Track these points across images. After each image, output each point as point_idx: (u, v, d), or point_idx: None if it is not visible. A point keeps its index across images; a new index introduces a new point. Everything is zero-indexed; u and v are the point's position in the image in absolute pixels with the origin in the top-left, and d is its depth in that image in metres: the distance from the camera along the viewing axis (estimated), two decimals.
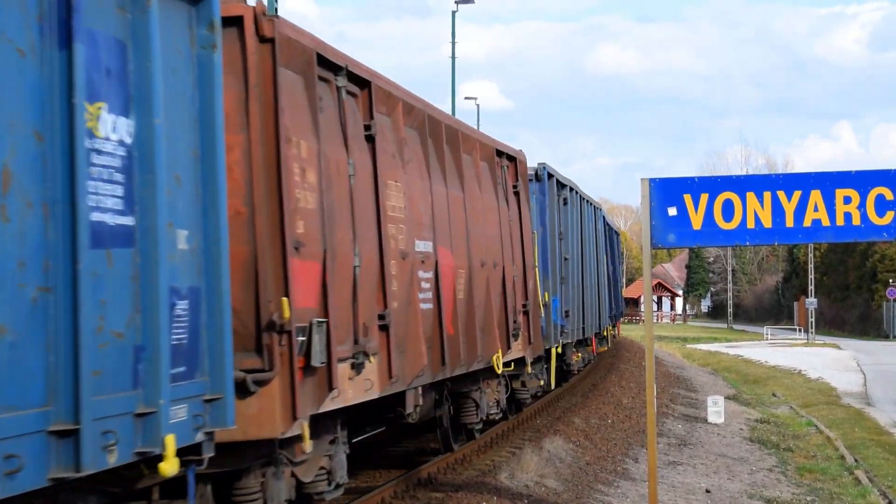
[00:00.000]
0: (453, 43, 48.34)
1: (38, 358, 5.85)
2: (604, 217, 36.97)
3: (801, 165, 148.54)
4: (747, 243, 11.89)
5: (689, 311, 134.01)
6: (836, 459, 20.81)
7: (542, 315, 20.18)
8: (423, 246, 12.94)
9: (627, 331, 65.95)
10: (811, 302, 74.50)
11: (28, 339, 5.77)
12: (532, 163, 21.72)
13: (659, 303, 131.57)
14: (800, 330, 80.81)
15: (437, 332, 13.24)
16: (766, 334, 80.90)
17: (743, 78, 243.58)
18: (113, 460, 6.30)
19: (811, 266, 77.35)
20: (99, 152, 6.34)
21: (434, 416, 15.44)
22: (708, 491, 16.62)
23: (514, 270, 17.57)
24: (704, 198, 11.75)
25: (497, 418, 18.62)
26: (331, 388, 9.60)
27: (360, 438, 16.64)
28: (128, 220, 6.62)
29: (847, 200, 11.57)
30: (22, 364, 5.71)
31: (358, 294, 10.57)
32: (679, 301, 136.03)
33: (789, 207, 11.66)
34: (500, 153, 17.61)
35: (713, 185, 11.89)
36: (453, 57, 48.17)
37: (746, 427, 24.94)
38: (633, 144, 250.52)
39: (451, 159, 14.70)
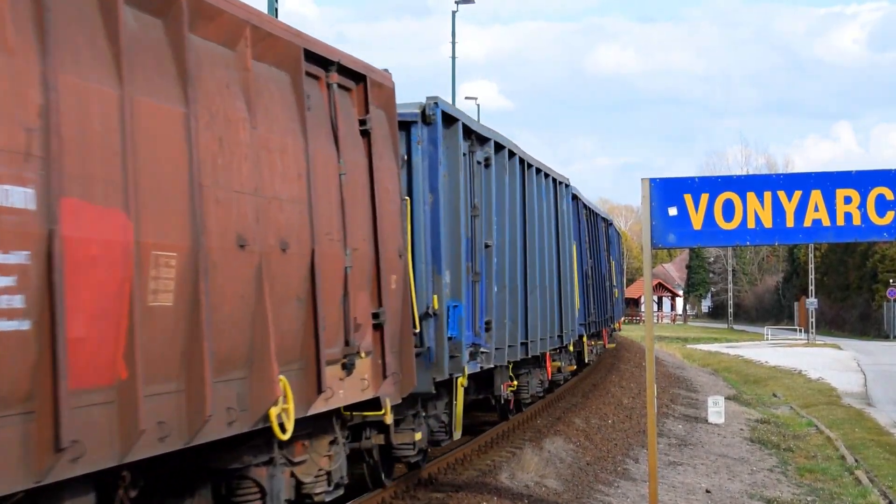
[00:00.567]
0: (453, 43, 48.41)
1: None
2: (576, 197, 28.10)
3: (801, 165, 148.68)
4: (748, 243, 11.89)
5: (689, 312, 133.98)
6: (837, 460, 20.81)
7: (433, 328, 14.26)
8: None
9: (628, 331, 65.92)
10: (811, 302, 74.48)
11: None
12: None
13: (659, 303, 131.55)
14: (800, 330, 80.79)
15: (49, 382, 6.21)
16: (767, 334, 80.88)
17: (742, 78, 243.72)
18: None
19: (811, 266, 77.34)
20: None
21: None
22: (708, 491, 16.62)
23: (351, 257, 10.32)
24: (705, 198, 11.75)
25: None
26: None
27: None
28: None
29: (847, 200, 11.57)
30: None
31: None
32: (679, 301, 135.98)
33: (790, 207, 11.67)
34: (319, 60, 10.21)
35: (713, 185, 11.89)
36: (453, 57, 48.24)
37: (747, 427, 24.93)
38: (633, 145, 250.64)
39: (150, 43, 7.55)
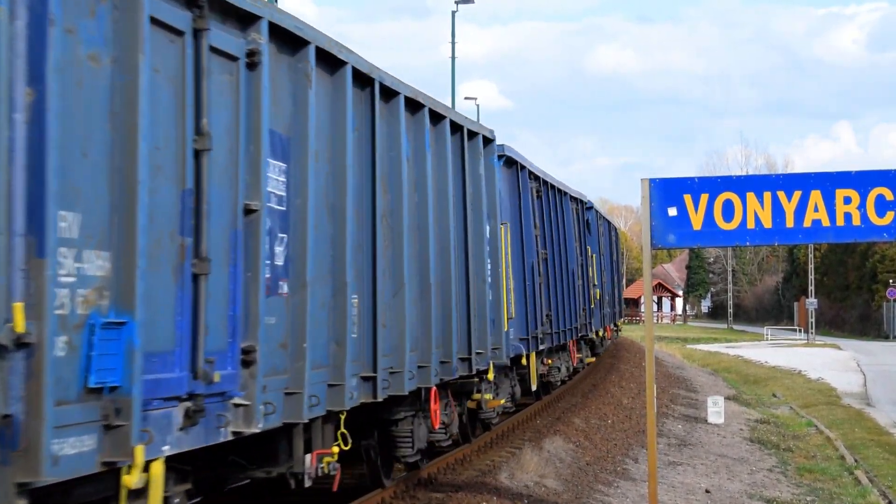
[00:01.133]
0: (453, 43, 48.35)
1: None
2: (512, 161, 20.43)
3: (800, 166, 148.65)
4: (747, 244, 11.90)
5: (689, 312, 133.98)
6: (836, 460, 20.81)
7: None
8: None
9: (627, 331, 65.91)
10: (811, 302, 74.50)
11: None
12: None
13: (659, 303, 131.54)
14: (800, 330, 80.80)
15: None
16: (767, 335, 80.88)
17: (742, 78, 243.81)
18: None
19: (811, 266, 77.36)
20: None
21: None
22: (708, 491, 16.62)
23: None
24: (704, 198, 11.76)
25: None
26: None
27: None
28: None
29: (847, 201, 11.58)
30: None
31: None
32: (679, 301, 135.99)
33: (789, 208, 11.68)
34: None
35: (713, 185, 11.90)
36: (453, 57, 48.20)
37: (746, 427, 24.94)
38: (633, 144, 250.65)
39: None
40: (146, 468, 7.25)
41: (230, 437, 8.52)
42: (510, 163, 20.03)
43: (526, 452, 16.88)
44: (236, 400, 8.53)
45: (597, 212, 33.72)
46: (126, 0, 7.05)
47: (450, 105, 17.12)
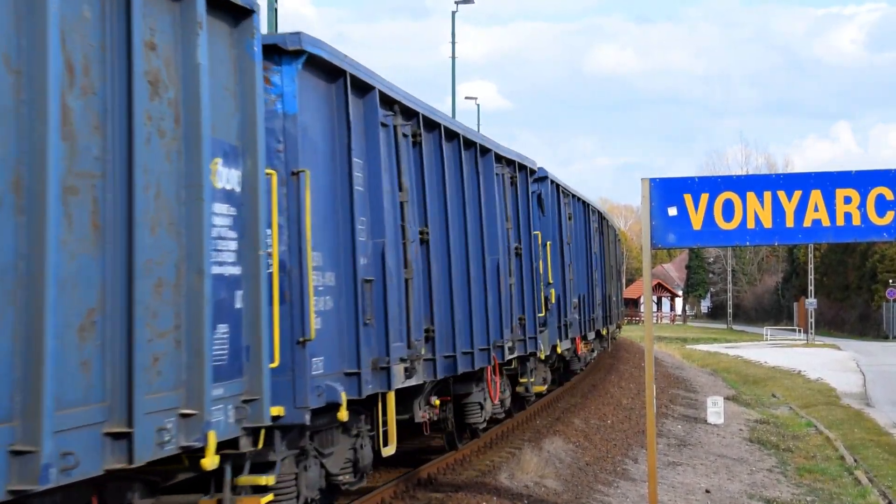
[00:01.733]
0: (453, 43, 48.29)
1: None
2: (360, 85, 11.67)
3: (800, 166, 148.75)
4: (747, 243, 11.89)
5: (688, 312, 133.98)
6: (836, 460, 20.81)
7: None
8: None
9: (627, 331, 65.93)
10: (811, 302, 74.49)
11: None
12: None
13: (659, 303, 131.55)
14: (799, 330, 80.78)
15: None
16: (766, 335, 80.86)
17: (742, 78, 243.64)
18: None
19: (811, 266, 77.35)
20: None
21: None
22: (708, 491, 16.61)
23: None
24: (705, 198, 11.75)
25: None
26: None
27: None
28: None
29: (847, 200, 11.57)
30: None
31: None
32: (679, 301, 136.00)
33: (789, 207, 11.67)
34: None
35: (713, 185, 11.89)
36: (453, 57, 48.15)
37: (746, 427, 24.93)
38: (633, 144, 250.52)
39: None
40: None
41: None
42: (330, 72, 11.06)
43: (526, 453, 16.87)
44: None
45: (558, 187, 24.48)
46: None
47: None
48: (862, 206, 11.53)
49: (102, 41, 6.86)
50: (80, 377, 6.56)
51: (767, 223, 11.70)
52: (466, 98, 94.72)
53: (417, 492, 14.07)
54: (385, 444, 11.89)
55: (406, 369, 12.31)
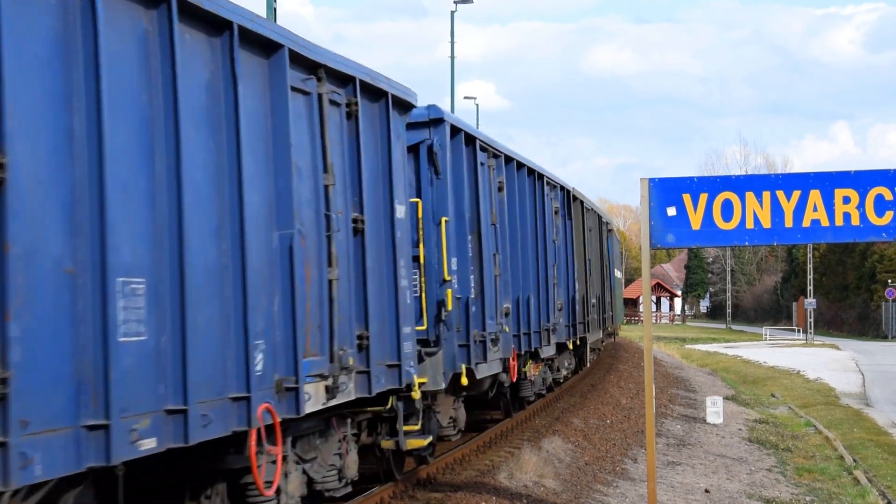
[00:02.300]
0: (452, 43, 48.32)
1: None
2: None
3: (798, 166, 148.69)
4: (746, 243, 11.90)
5: (687, 312, 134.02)
6: (835, 460, 20.81)
7: None
8: None
9: (626, 331, 65.94)
10: (810, 302, 74.51)
11: None
12: None
13: (658, 303, 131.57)
14: (798, 330, 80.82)
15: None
16: (765, 335, 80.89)
17: (739, 79, 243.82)
18: None
19: (810, 266, 77.37)
20: None
21: None
22: (707, 491, 16.62)
23: None
24: (704, 198, 11.76)
25: None
26: None
27: None
28: None
29: (846, 200, 11.58)
30: None
31: None
32: (678, 301, 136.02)
33: (788, 207, 11.67)
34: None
35: (712, 185, 11.90)
36: (452, 57, 48.17)
37: (745, 427, 24.94)
38: (631, 145, 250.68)
39: None
40: None
41: None
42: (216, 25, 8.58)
43: (525, 452, 16.87)
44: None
45: (474, 140, 16.62)
46: None
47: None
48: (861, 206, 11.54)
49: None
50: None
51: (766, 223, 11.70)
52: (465, 98, 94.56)
53: (417, 492, 14.07)
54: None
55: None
